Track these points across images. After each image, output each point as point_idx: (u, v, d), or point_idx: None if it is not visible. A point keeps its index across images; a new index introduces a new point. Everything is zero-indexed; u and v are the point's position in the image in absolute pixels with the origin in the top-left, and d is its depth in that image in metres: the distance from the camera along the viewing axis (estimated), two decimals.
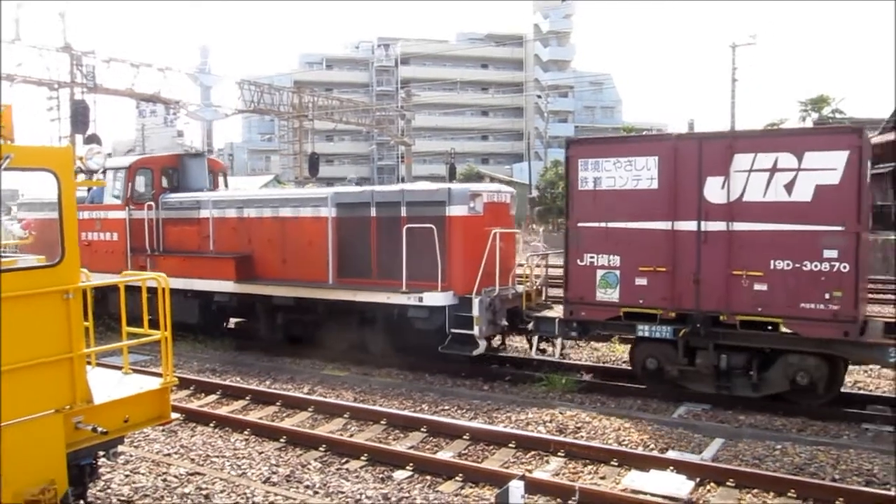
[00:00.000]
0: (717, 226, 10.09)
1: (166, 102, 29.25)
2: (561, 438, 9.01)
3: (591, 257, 11.05)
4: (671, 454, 8.54)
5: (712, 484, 7.73)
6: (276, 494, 7.39)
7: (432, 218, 12.26)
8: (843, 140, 9.39)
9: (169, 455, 8.64)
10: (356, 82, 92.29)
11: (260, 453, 8.73)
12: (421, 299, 12.19)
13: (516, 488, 5.03)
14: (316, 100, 36.80)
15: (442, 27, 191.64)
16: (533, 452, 8.76)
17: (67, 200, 5.84)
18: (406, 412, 10.24)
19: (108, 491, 7.45)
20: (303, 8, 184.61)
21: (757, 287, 9.84)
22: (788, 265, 9.65)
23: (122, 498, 7.33)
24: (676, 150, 10.41)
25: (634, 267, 10.69)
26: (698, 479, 7.80)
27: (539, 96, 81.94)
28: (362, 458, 8.59)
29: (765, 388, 10.29)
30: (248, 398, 11.20)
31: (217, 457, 8.57)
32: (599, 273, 10.98)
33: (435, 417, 9.97)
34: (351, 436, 9.48)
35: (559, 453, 8.65)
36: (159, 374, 7.07)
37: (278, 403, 10.89)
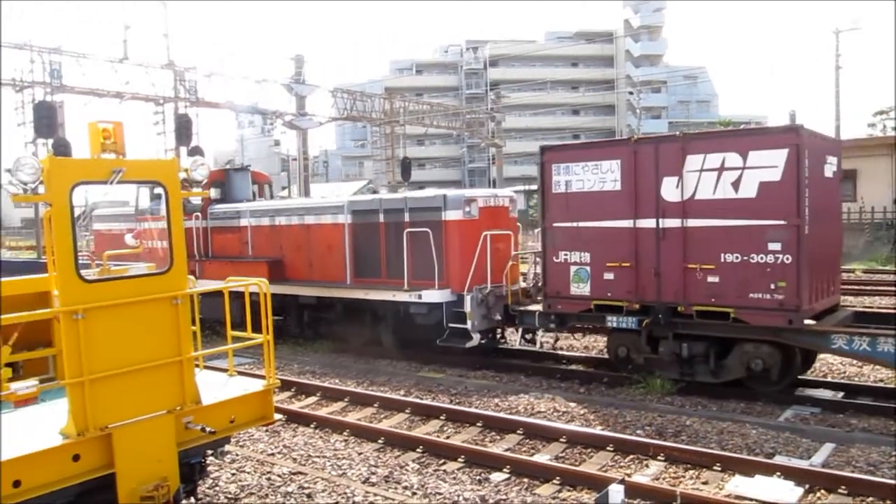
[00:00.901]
0: (674, 223, 10.79)
1: (263, 113, 30.22)
2: (661, 442, 8.82)
3: (565, 255, 11.96)
4: (778, 459, 8.22)
5: (822, 491, 7.40)
6: (375, 495, 7.52)
7: (430, 222, 13.49)
8: (782, 139, 9.97)
9: (272, 455, 8.91)
10: (445, 86, 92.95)
11: (359, 454, 8.89)
12: (420, 296, 13.39)
13: (616, 492, 4.94)
14: (407, 105, 37.24)
15: (530, 27, 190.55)
16: (632, 456, 8.60)
17: (175, 211, 6.11)
18: (502, 414, 10.22)
19: (216, 488, 7.75)
20: (392, 15, 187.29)
21: (710, 279, 10.52)
22: (737, 258, 10.30)
23: (230, 495, 7.60)
24: (636, 153, 11.13)
25: (603, 263, 11.54)
26: (807, 486, 7.48)
27: (631, 93, 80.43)
28: (459, 459, 8.64)
29: (723, 374, 10.93)
30: (346, 400, 11.44)
31: (318, 457, 8.78)
32: (573, 269, 11.89)
33: (531, 420, 9.91)
34: (448, 437, 9.54)
35: (659, 457, 8.46)
36: (262, 377, 7.31)
37: (376, 405, 11.07)
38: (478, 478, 8.13)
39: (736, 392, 11.00)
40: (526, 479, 8.03)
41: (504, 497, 7.50)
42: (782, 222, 9.95)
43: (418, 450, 9.02)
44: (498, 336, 14.63)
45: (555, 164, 12.01)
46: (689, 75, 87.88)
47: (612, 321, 11.54)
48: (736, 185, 10.27)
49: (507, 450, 8.96)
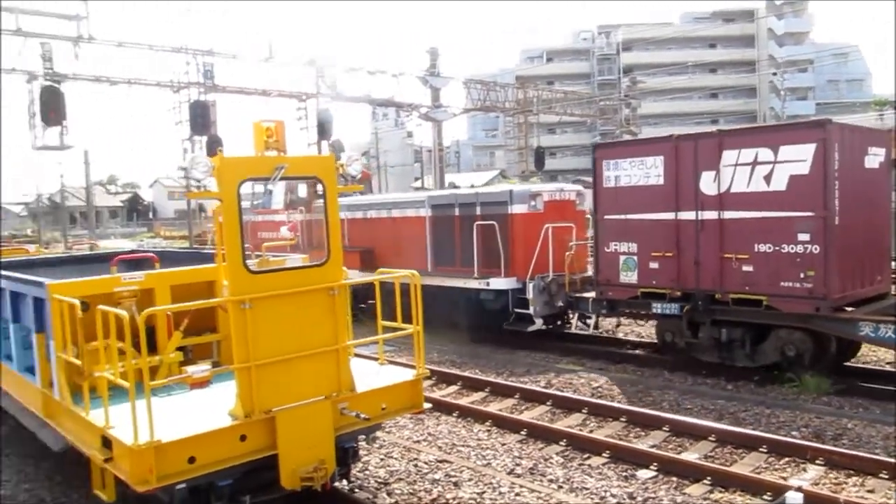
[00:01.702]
0: (711, 215, 11.41)
1: (399, 106, 30.79)
2: (819, 445, 8.35)
3: (615, 245, 12.78)
4: None
5: None
6: (521, 486, 7.53)
7: (498, 215, 14.61)
8: (809, 134, 10.40)
9: (418, 442, 9.11)
10: (577, 73, 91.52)
11: (502, 444, 8.94)
12: (488, 284, 14.58)
13: (794, 500, 4.69)
14: (540, 93, 36.95)
15: (664, 9, 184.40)
16: (787, 459, 8.19)
17: (331, 205, 6.34)
18: (647, 410, 9.99)
19: (367, 472, 8.01)
20: (523, 4, 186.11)
21: (744, 268, 11.08)
22: (769, 248, 10.81)
23: (379, 479, 7.84)
24: (677, 149, 11.78)
25: (648, 252, 12.27)
26: None
27: (774, 73, 76.22)
28: (604, 454, 8.51)
29: (760, 359, 11.43)
30: (487, 390, 11.53)
31: (462, 446, 8.91)
32: (622, 258, 12.70)
33: (677, 417, 9.62)
34: (591, 431, 9.43)
35: (818, 461, 8.01)
36: (405, 365, 7.49)
37: (516, 396, 11.09)
38: (624, 474, 7.99)
39: None
40: (674, 478, 7.82)
41: (653, 495, 7.33)
42: (810, 214, 10.37)
43: (561, 443, 8.96)
44: (567, 321, 15.57)
45: (605, 160, 12.81)
46: (838, 53, 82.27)
47: (657, 308, 12.23)
48: (768, 178, 10.76)
49: (652, 446, 8.75)
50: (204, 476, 5.65)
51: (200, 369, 5.64)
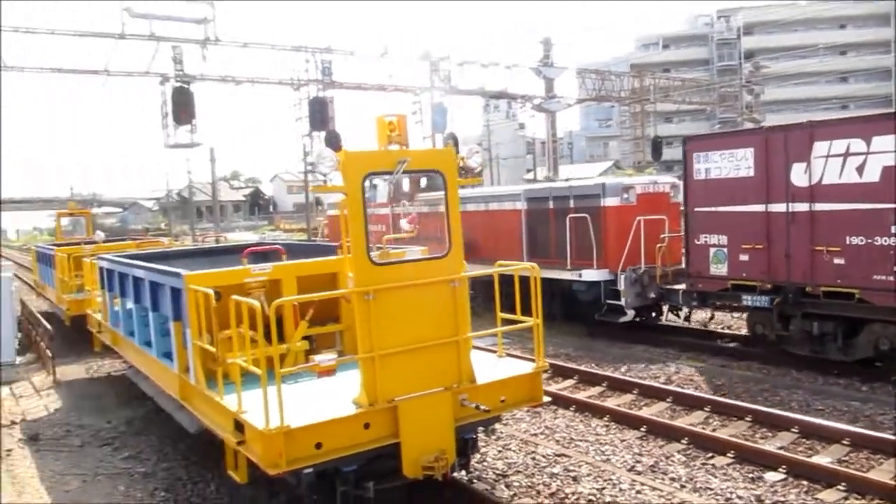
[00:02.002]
0: (802, 207, 11.28)
1: (512, 98, 30.70)
2: None
3: (705, 237, 12.78)
4: None
5: None
6: (641, 484, 7.38)
7: (591, 208, 14.88)
8: None
9: (535, 435, 9.07)
10: (695, 59, 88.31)
11: (622, 441, 8.78)
12: (580, 275, 14.81)
13: None
14: (657, 81, 35.96)
15: None
16: None
17: (452, 198, 6.38)
18: (774, 410, 9.56)
19: (485, 463, 8.04)
20: None
21: (836, 261, 10.89)
22: (862, 241, 10.56)
23: (497, 471, 7.85)
24: (767, 141, 11.71)
25: (738, 245, 12.24)
26: None
27: None
28: (728, 454, 8.21)
29: (852, 353, 11.19)
30: (604, 384, 11.34)
31: (580, 440, 8.81)
32: (712, 251, 12.70)
33: (807, 418, 9.16)
34: (714, 430, 9.11)
35: None
36: (523, 358, 7.47)
37: (635, 392, 10.86)
38: (750, 476, 7.69)
39: None
40: (805, 482, 7.46)
41: (782, 499, 7.03)
42: None
43: (683, 441, 8.71)
44: (660, 313, 15.59)
45: (696, 152, 12.85)
46: None
47: (747, 300, 12.21)
48: (860, 169, 10.54)
49: (780, 448, 8.37)
50: (330, 461, 5.83)
51: (328, 358, 5.80)
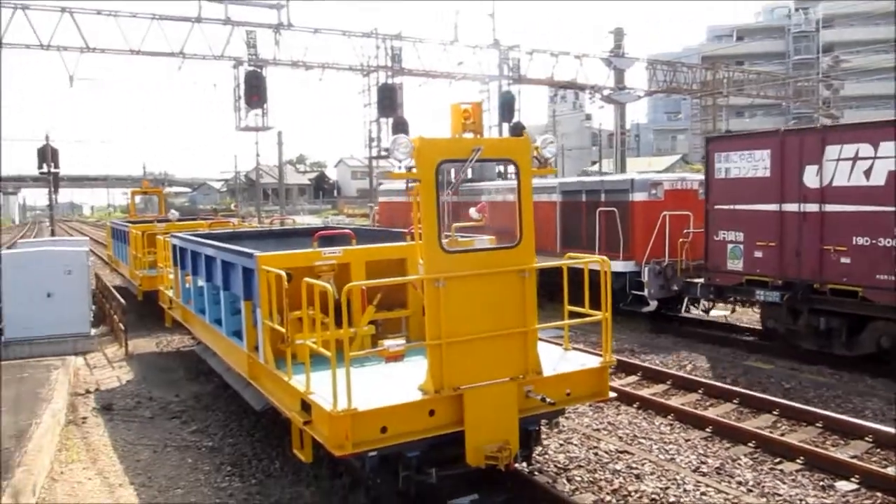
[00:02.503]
0: (813, 207, 11.81)
1: (581, 88, 30.32)
2: None
3: (724, 233, 13.30)
4: None
5: None
6: (706, 486, 7.24)
7: (619, 202, 15.49)
8: None
9: (598, 430, 8.98)
10: (770, 52, 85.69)
11: (686, 440, 8.62)
12: None
13: None
14: (731, 74, 35.05)
15: None
16: None
17: (525, 188, 6.33)
18: (847, 417, 9.25)
19: (546, 456, 8.00)
20: None
21: (842, 260, 11.38)
22: (867, 241, 11.04)
23: (559, 465, 7.80)
24: (783, 143, 12.25)
25: (753, 241, 12.76)
26: None
27: None
28: (797, 460, 7.98)
29: (856, 348, 11.63)
30: (668, 382, 11.16)
31: (644, 438, 8.68)
32: (729, 246, 13.22)
33: (883, 427, 8.82)
34: (783, 435, 8.86)
35: None
36: (589, 352, 7.38)
37: (700, 391, 10.65)
38: (821, 483, 7.46)
39: None
40: (879, 494, 7.19)
41: None
42: None
43: (750, 444, 8.49)
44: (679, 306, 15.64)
45: (717, 152, 13.41)
46: None
47: (760, 295, 12.73)
48: (867, 173, 11.01)
49: (853, 457, 8.09)
50: (394, 446, 5.86)
51: (396, 343, 5.83)
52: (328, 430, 5.73)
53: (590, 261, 7.06)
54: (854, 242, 11.22)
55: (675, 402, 10.24)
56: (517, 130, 25.06)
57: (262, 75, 24.13)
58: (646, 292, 14.82)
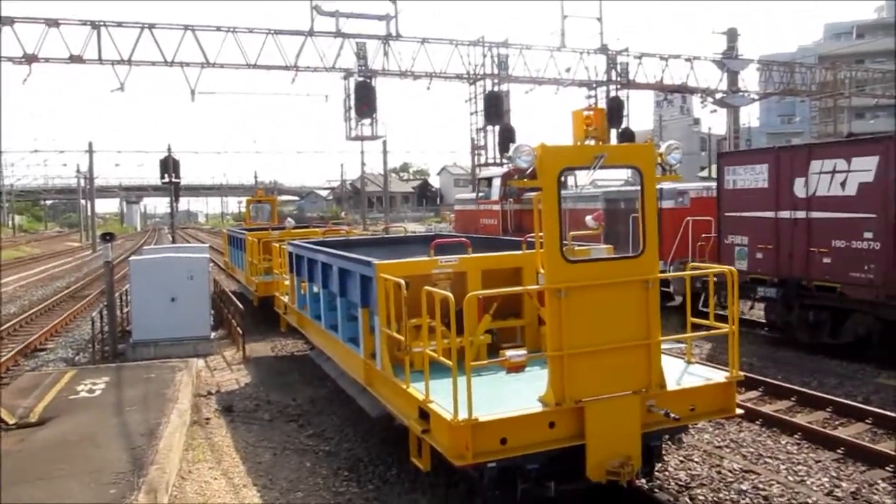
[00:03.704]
0: (801, 214, 13.46)
1: (693, 92, 29.44)
2: None
3: (732, 237, 15.02)
4: None
5: None
6: None
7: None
8: (874, 148, 12.25)
9: (720, 447, 8.62)
10: (892, 50, 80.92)
11: (816, 462, 8.15)
12: None
13: None
14: (854, 74, 33.26)
15: None
16: None
17: (649, 195, 6.13)
18: None
19: (666, 473, 7.72)
20: None
21: (825, 260, 13.00)
22: (843, 244, 12.65)
23: (680, 482, 7.52)
24: (778, 158, 14.01)
25: (755, 244, 14.39)
26: None
27: None
28: None
29: (840, 337, 12.98)
30: (793, 399, 10.60)
31: (770, 458, 8.26)
32: (736, 249, 14.87)
33: None
34: None
35: None
36: (714, 366, 7.08)
37: (828, 409, 10.07)
38: None
39: None
40: None
41: None
42: (874, 216, 12.08)
43: (888, 468, 7.94)
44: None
45: (727, 166, 15.27)
46: None
47: (761, 291, 14.25)
48: (843, 184, 12.66)
49: None
50: (514, 458, 5.79)
51: (518, 354, 5.76)
52: (448, 439, 5.71)
53: (716, 270, 6.79)
54: (833, 245, 12.85)
55: (802, 419, 9.70)
56: (627, 136, 24.58)
57: (371, 85, 24.62)
58: (671, 288, 16.08)
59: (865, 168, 12.27)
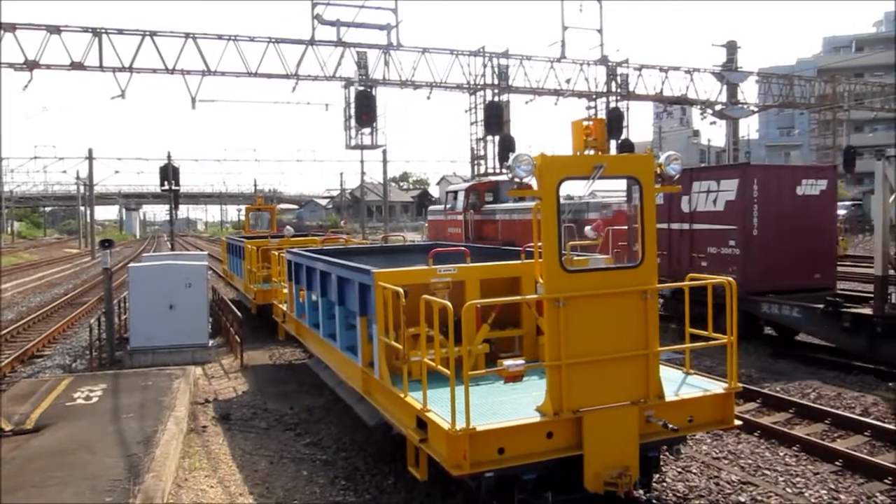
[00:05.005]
0: (686, 226, 16.22)
1: (692, 104, 29.52)
2: None
3: (636, 245, 15.27)
4: None
5: None
6: None
7: (579, 220, 17.82)
8: (735, 172, 15.43)
9: (718, 459, 8.60)
10: (892, 63, 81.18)
11: (815, 474, 8.13)
12: None
13: None
14: (853, 87, 33.37)
15: None
16: None
17: (648, 206, 6.15)
18: None
19: (664, 484, 7.70)
20: None
21: (703, 264, 15.54)
22: (716, 250, 15.45)
23: (678, 493, 7.50)
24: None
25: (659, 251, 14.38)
26: None
27: None
28: None
29: (717, 330, 13.80)
30: (791, 410, 10.59)
31: (768, 469, 8.24)
32: None
33: None
34: None
35: None
36: (713, 377, 7.08)
37: (827, 421, 10.05)
38: None
39: None
40: None
41: None
42: (735, 227, 14.93)
43: (886, 480, 7.93)
44: None
45: (633, 186, 16.60)
46: None
47: (661, 292, 14.95)
48: (715, 201, 15.49)
49: None
50: (512, 468, 5.78)
51: (516, 363, 5.75)
52: (445, 448, 5.69)
53: (715, 281, 6.79)
54: (708, 251, 15.58)
55: (800, 431, 9.69)
56: (626, 147, 24.62)
57: (372, 95, 24.67)
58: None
59: (730, 188, 15.14)
